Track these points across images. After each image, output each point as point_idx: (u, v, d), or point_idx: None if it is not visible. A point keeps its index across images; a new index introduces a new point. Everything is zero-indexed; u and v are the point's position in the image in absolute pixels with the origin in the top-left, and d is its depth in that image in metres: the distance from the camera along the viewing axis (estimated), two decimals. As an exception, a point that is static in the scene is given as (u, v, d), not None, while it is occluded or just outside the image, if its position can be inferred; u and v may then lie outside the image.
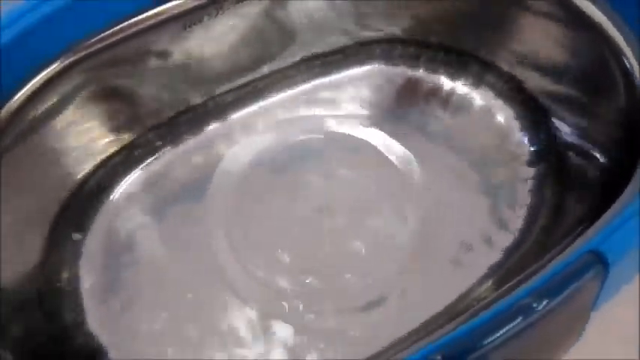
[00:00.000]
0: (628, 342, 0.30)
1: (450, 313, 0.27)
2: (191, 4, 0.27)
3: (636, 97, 0.26)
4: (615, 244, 0.20)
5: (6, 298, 0.23)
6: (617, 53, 0.27)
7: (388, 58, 0.33)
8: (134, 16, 0.26)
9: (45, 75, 0.24)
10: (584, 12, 0.28)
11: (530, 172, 0.30)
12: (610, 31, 0.27)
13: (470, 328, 0.18)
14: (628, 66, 0.26)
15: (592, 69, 0.29)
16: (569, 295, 0.19)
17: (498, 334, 0.18)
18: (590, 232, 0.21)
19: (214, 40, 0.29)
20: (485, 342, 0.18)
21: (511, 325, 0.18)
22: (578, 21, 0.28)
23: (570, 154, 0.30)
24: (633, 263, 0.21)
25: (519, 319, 0.18)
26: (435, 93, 0.33)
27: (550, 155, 0.31)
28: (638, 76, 0.26)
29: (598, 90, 0.29)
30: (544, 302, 0.18)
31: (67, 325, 0.26)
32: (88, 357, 0.25)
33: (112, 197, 0.29)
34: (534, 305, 0.18)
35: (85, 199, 0.28)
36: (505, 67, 0.32)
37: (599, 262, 0.19)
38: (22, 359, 0.21)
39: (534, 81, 0.32)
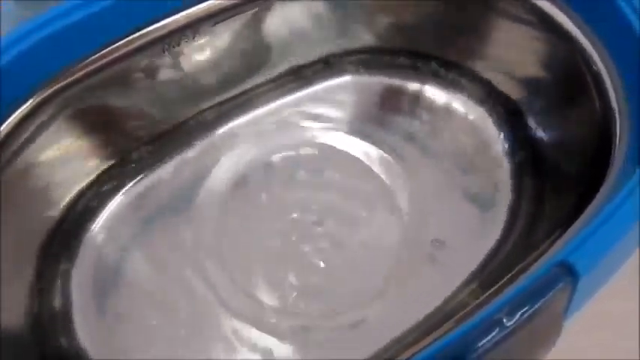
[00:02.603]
0: (628, 341, 0.31)
1: (433, 321, 0.27)
2: (167, 29, 0.28)
3: (607, 104, 0.26)
4: (584, 255, 0.20)
5: (8, 338, 0.24)
6: (586, 59, 0.27)
7: (366, 67, 0.34)
8: (113, 43, 0.27)
9: (28, 105, 0.25)
10: (551, 17, 0.29)
11: (509, 173, 0.31)
12: (578, 37, 0.28)
13: (442, 345, 0.19)
14: (597, 70, 0.27)
15: (565, 73, 0.29)
16: (540, 306, 0.19)
17: (470, 350, 0.19)
18: (559, 243, 0.22)
19: (193, 61, 0.30)
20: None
21: (483, 340, 0.19)
22: (548, 26, 0.29)
23: (547, 155, 0.31)
24: (603, 272, 0.22)
25: (490, 335, 0.19)
26: (413, 99, 0.33)
27: (527, 157, 0.31)
28: (607, 81, 0.26)
29: (572, 94, 0.29)
30: (514, 317, 0.19)
31: (61, 349, 0.26)
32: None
33: (99, 218, 0.29)
34: (504, 321, 0.19)
35: (73, 222, 0.29)
36: (481, 72, 0.33)
37: (568, 273, 0.20)
38: None
39: (510, 85, 0.32)
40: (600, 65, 0.27)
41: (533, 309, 0.19)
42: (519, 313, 0.19)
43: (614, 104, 0.26)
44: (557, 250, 0.21)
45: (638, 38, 0.25)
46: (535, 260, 0.22)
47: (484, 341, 0.18)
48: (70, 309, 0.27)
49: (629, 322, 0.32)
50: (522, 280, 0.20)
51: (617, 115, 0.26)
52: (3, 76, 0.24)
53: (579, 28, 0.28)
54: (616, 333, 0.32)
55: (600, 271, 0.21)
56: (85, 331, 0.27)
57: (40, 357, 0.26)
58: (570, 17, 0.28)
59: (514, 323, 0.19)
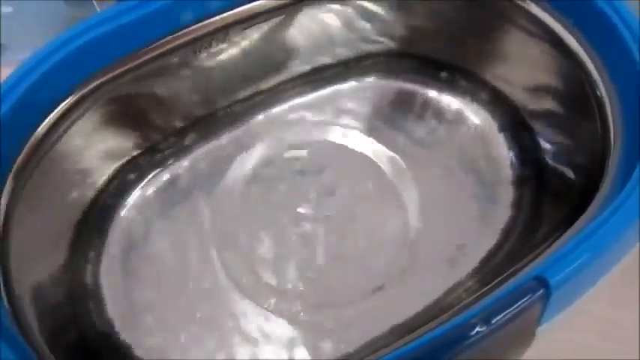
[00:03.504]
0: (628, 343, 0.33)
1: (431, 314, 0.29)
2: (200, 32, 0.30)
3: (606, 127, 0.28)
4: (558, 271, 0.22)
5: (41, 298, 0.27)
6: (592, 83, 0.29)
7: (382, 72, 0.36)
8: (150, 44, 0.29)
9: (69, 101, 0.27)
10: (562, 39, 0.30)
11: (511, 178, 0.33)
12: (586, 62, 0.29)
13: (420, 344, 0.21)
14: (600, 95, 0.28)
15: (571, 92, 0.31)
16: (513, 316, 0.21)
17: (443, 352, 0.21)
18: (539, 259, 0.24)
19: (222, 60, 0.32)
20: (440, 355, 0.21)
21: (458, 343, 0.21)
22: (559, 47, 0.30)
23: (549, 165, 0.32)
24: (578, 286, 0.24)
25: (464, 338, 0.21)
26: (425, 104, 0.35)
27: (529, 165, 0.33)
28: (607, 106, 0.28)
29: (576, 112, 0.31)
30: (487, 323, 0.21)
31: (90, 316, 0.29)
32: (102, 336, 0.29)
33: (129, 200, 0.32)
34: (478, 327, 0.21)
35: (105, 203, 0.31)
36: (492, 81, 0.35)
37: (542, 287, 0.22)
38: (54, 352, 0.25)
39: (519, 96, 0.34)
40: (603, 91, 0.28)
41: (506, 317, 0.21)
42: (493, 320, 0.21)
43: (612, 128, 0.27)
44: (537, 263, 0.23)
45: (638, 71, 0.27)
46: (522, 268, 0.24)
47: (459, 344, 0.21)
48: (98, 280, 0.30)
49: (630, 329, 0.33)
50: (500, 290, 0.22)
51: (612, 138, 0.27)
52: (54, 72, 0.26)
53: (587, 53, 0.29)
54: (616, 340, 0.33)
55: (575, 285, 0.23)
56: (111, 300, 0.30)
57: (73, 321, 0.29)
58: (580, 42, 0.29)
59: (487, 329, 0.21)
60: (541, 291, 0.22)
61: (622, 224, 0.23)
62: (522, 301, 0.22)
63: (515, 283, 0.22)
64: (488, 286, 0.27)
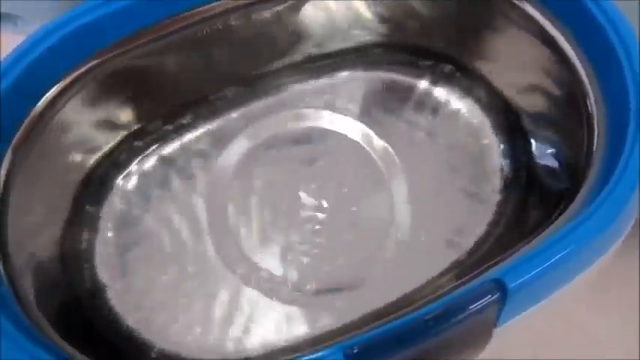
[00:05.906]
0: (628, 342, 0.34)
1: (400, 306, 0.30)
2: (202, 16, 0.31)
3: (590, 142, 0.28)
4: (517, 275, 0.23)
5: (37, 269, 0.28)
6: (585, 100, 0.29)
7: (378, 63, 0.36)
8: (153, 25, 0.30)
9: (68, 79, 0.29)
10: (563, 50, 0.30)
11: (500, 176, 0.33)
12: (583, 77, 0.29)
13: (380, 333, 0.22)
14: (590, 112, 0.29)
15: (566, 103, 0.31)
16: (468, 315, 0.22)
17: (397, 346, 0.22)
18: (503, 261, 0.24)
19: (220, 45, 0.33)
20: (392, 348, 0.22)
21: (411, 338, 0.22)
22: (551, 46, 0.30)
23: (537, 167, 0.33)
24: (537, 291, 0.24)
25: (418, 334, 0.22)
26: (419, 97, 0.36)
27: (519, 165, 0.34)
28: (595, 125, 0.28)
29: (567, 115, 0.31)
30: (442, 321, 0.22)
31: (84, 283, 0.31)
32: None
33: (123, 177, 0.33)
34: (431, 323, 0.22)
35: (100, 179, 0.33)
36: (490, 79, 0.35)
37: (499, 289, 0.23)
38: (51, 320, 0.26)
39: (515, 96, 0.34)
40: (592, 100, 0.29)
41: (459, 317, 0.22)
42: (447, 319, 0.22)
43: (595, 137, 0.28)
44: (500, 266, 0.24)
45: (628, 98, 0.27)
46: (490, 268, 0.25)
47: (410, 339, 0.22)
48: (93, 249, 0.32)
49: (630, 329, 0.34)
50: (461, 290, 0.23)
51: (595, 146, 0.28)
52: (54, 51, 0.28)
53: (581, 61, 0.29)
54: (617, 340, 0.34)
55: (533, 290, 0.24)
56: (103, 269, 0.31)
57: (68, 287, 0.30)
58: (575, 50, 0.30)
59: (440, 327, 0.22)
60: (497, 294, 0.23)
61: (587, 235, 0.24)
62: (478, 302, 0.22)
63: (476, 284, 0.23)
64: (454, 284, 0.27)
